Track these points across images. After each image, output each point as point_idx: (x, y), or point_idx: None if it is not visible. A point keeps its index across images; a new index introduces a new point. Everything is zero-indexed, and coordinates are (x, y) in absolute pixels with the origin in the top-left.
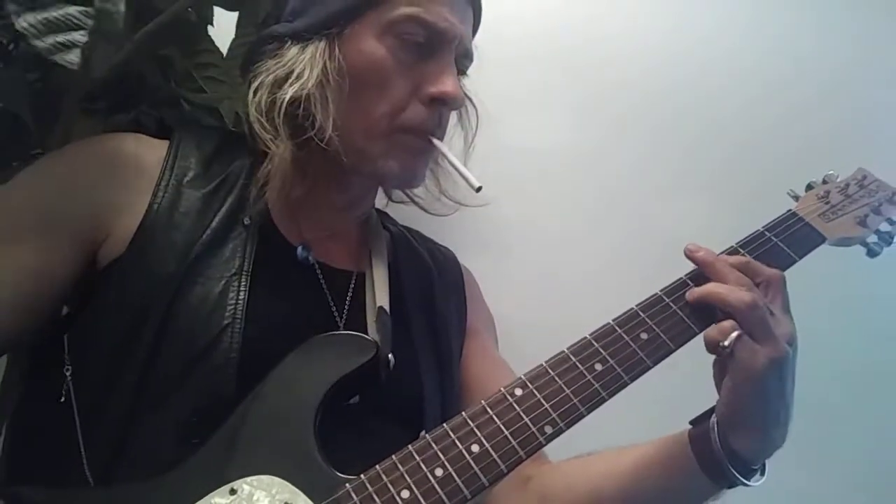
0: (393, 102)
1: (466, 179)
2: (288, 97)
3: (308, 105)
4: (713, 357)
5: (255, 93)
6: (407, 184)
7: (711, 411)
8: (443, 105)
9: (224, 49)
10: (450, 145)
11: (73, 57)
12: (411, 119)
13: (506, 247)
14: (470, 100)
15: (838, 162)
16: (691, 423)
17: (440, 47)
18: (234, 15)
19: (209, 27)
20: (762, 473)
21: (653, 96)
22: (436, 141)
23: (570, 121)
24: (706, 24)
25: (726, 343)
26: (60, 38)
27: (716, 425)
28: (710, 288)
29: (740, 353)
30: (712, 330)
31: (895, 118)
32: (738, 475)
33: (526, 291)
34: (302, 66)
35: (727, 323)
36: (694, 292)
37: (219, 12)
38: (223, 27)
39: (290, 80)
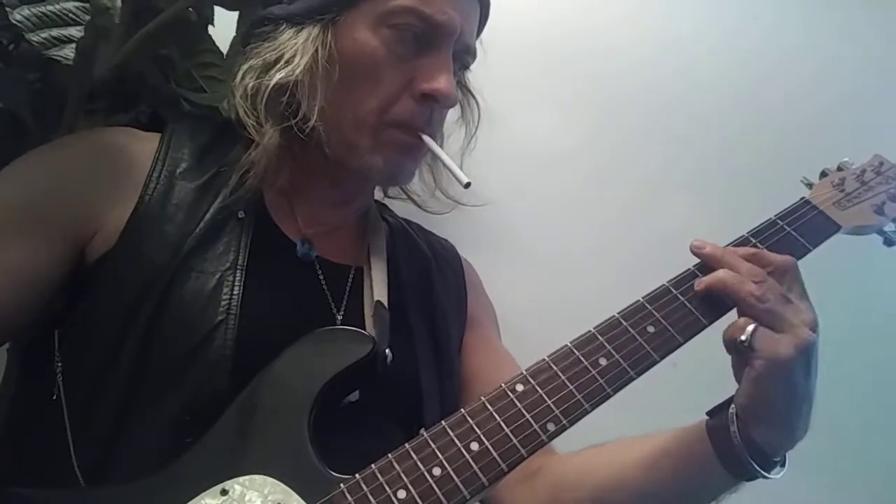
0: (383, 96)
1: (455, 175)
2: (273, 83)
3: (295, 92)
4: (715, 353)
5: (242, 77)
6: (393, 180)
7: (729, 401)
8: (434, 102)
9: (224, 49)
10: (450, 141)
11: (69, 52)
12: (400, 114)
13: (502, 243)
14: (473, 95)
15: (831, 156)
16: (708, 413)
17: (437, 41)
18: (234, 15)
19: (209, 27)
20: (782, 465)
21: (643, 92)
22: (425, 137)
23: (566, 116)
24: (695, 19)
25: (744, 338)
26: (55, 32)
27: (735, 417)
28: (719, 274)
29: (760, 344)
30: (728, 330)
31: (885, 109)
32: (758, 468)
33: (524, 288)
34: (292, 51)
35: (741, 320)
36: (701, 281)
37: (219, 12)
38: (223, 27)
39: (278, 66)
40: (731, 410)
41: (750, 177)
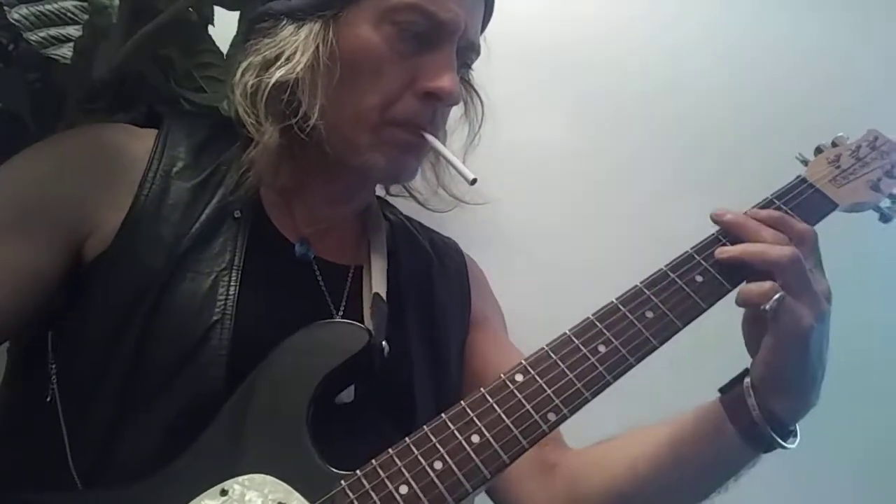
0: (385, 94)
1: (460, 172)
2: (273, 80)
3: (295, 90)
4: (713, 345)
5: (242, 74)
6: (394, 179)
7: (741, 375)
8: (437, 101)
9: (224, 49)
10: (452, 138)
11: (66, 51)
12: (403, 112)
13: (505, 242)
14: (476, 92)
15: None
16: (720, 390)
17: (441, 39)
18: (235, 15)
19: (209, 27)
20: (795, 435)
21: (650, 94)
22: (428, 136)
23: (568, 117)
24: (704, 23)
25: (768, 307)
26: (53, 31)
27: (751, 388)
28: (747, 246)
29: (783, 315)
30: (751, 291)
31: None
32: (776, 438)
33: (526, 287)
34: (293, 48)
35: (768, 284)
36: (726, 251)
37: (219, 12)
38: (223, 27)
39: (278, 63)
40: (746, 383)
41: (762, 179)
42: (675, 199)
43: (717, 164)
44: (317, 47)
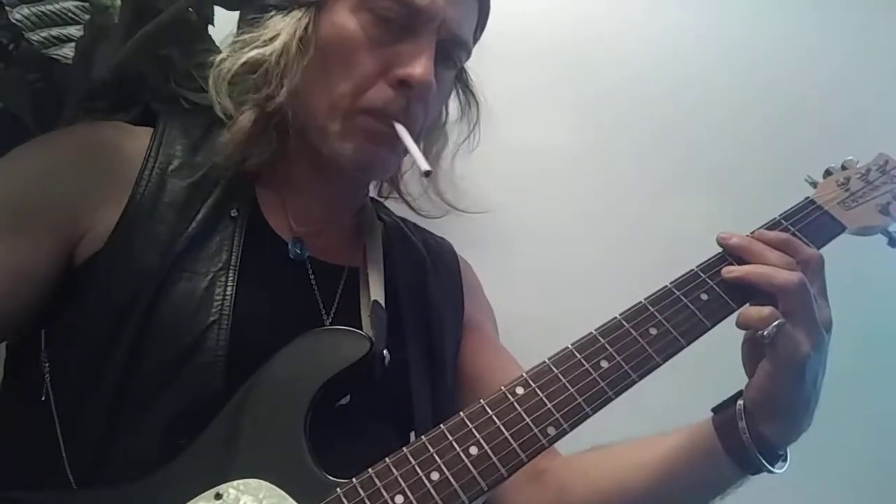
0: (357, 80)
1: (416, 161)
2: (242, 60)
3: (266, 72)
4: (716, 357)
5: (220, 62)
6: (364, 169)
7: (735, 397)
8: (409, 89)
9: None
10: (449, 139)
11: (68, 51)
12: (374, 100)
13: (505, 244)
14: (473, 93)
15: (839, 160)
16: (714, 410)
17: (417, 28)
18: (235, 15)
19: (209, 27)
20: (785, 459)
21: (653, 95)
22: (398, 126)
23: (570, 119)
24: (706, 23)
25: (766, 333)
26: (55, 31)
27: (743, 411)
28: (754, 267)
29: (781, 341)
30: (751, 316)
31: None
32: (765, 462)
33: (525, 289)
34: (272, 33)
35: (767, 310)
36: (733, 270)
37: (219, 12)
38: (223, 27)
39: (253, 44)
40: (738, 406)
41: (765, 179)
42: (677, 201)
43: (718, 165)
44: (294, 32)
